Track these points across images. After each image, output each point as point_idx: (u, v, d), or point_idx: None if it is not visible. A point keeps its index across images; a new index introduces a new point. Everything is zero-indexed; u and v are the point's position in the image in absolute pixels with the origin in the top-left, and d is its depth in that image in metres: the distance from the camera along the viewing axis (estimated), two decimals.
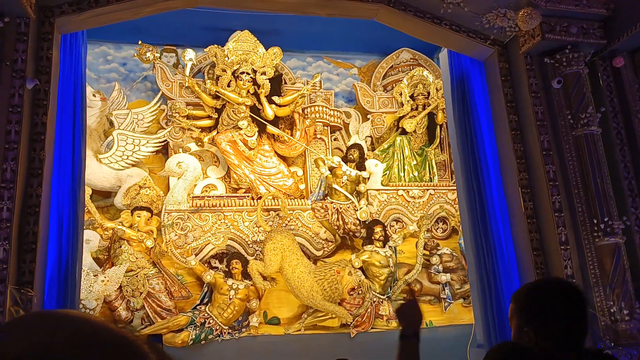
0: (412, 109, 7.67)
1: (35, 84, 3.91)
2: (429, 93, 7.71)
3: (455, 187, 6.89)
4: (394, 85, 7.89)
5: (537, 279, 2.41)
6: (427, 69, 7.85)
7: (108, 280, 5.96)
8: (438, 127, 7.71)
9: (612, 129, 4.69)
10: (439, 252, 6.89)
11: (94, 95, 6.88)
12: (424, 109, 7.67)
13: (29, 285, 3.67)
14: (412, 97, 7.71)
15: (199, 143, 7.09)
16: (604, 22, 4.73)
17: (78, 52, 4.54)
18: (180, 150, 6.92)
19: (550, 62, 4.71)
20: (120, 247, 6.25)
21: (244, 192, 6.96)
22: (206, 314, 6.12)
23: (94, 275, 5.94)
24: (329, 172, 7.00)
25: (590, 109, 4.57)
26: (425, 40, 5.38)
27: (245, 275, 6.31)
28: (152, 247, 6.32)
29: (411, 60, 8.09)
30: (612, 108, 4.73)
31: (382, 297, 6.51)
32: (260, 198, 6.75)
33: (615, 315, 4.20)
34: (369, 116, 7.73)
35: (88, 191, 6.38)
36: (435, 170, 7.57)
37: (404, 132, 7.62)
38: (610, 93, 4.75)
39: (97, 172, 6.64)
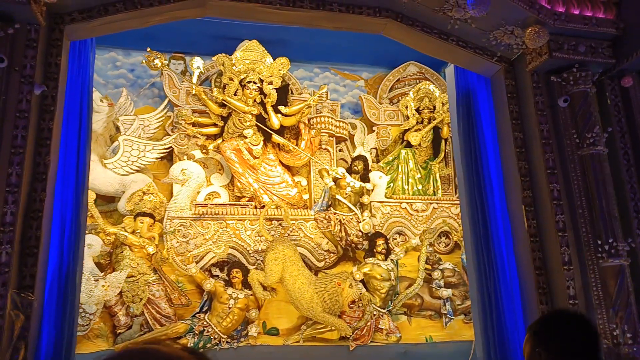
0: (417, 122, 7.69)
1: (42, 90, 3.94)
2: (434, 107, 7.72)
3: (459, 202, 6.88)
4: (400, 98, 7.91)
5: (555, 309, 2.54)
6: (433, 83, 7.87)
7: (109, 286, 5.96)
8: (443, 141, 7.71)
9: (619, 149, 4.66)
10: (441, 267, 6.85)
11: (101, 100, 6.92)
12: (429, 122, 7.68)
13: (30, 289, 3.67)
14: (417, 110, 7.72)
15: (204, 150, 7.11)
16: (613, 42, 4.71)
17: (86, 59, 4.57)
18: (185, 157, 6.93)
19: (557, 81, 4.69)
20: (122, 252, 6.25)
21: (247, 201, 6.96)
22: (205, 323, 6.10)
23: (95, 280, 5.94)
24: (333, 183, 6.99)
25: (596, 129, 4.55)
26: (432, 55, 5.38)
27: (246, 284, 6.29)
28: (153, 254, 6.32)
29: (418, 74, 8.12)
30: (619, 128, 4.70)
31: (382, 310, 6.47)
32: (263, 207, 6.74)
33: (618, 339, 4.15)
34: (374, 128, 7.74)
35: (92, 196, 6.40)
36: (439, 184, 7.56)
37: (409, 145, 7.62)
38: (618, 113, 4.73)
39: (101, 176, 6.66)
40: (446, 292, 6.68)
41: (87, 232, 6.23)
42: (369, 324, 6.35)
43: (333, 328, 6.28)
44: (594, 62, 4.66)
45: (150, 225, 6.43)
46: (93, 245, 6.12)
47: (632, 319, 4.23)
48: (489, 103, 5.23)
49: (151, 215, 6.46)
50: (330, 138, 7.49)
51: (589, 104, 4.62)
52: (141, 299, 6.12)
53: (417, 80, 7.97)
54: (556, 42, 4.58)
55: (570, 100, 4.61)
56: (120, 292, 6.07)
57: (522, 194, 4.74)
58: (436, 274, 6.77)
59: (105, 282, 5.95)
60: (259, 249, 6.58)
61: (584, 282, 4.40)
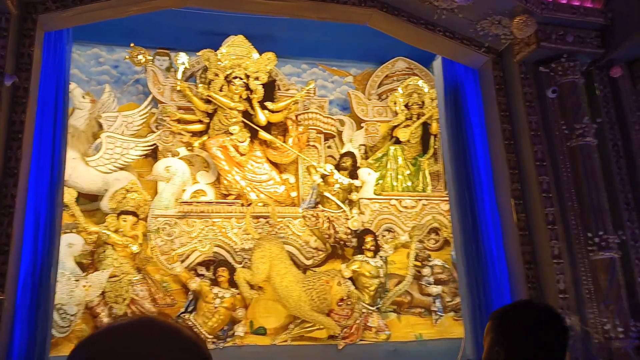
0: (406, 119, 7.62)
1: (14, 81, 3.79)
2: (423, 102, 7.66)
3: (448, 198, 6.79)
4: (388, 94, 7.84)
5: (519, 300, 2.30)
6: (422, 79, 7.80)
7: (90, 286, 5.81)
8: (432, 137, 7.65)
9: (608, 141, 4.57)
10: (430, 264, 6.77)
11: (83, 97, 6.80)
12: (418, 118, 7.61)
13: (0, 288, 3.53)
14: (406, 106, 7.65)
15: (189, 148, 6.99)
16: (602, 31, 4.63)
17: (62, 50, 4.43)
18: (169, 154, 6.80)
19: (545, 71, 4.60)
20: (105, 251, 6.12)
21: (234, 199, 6.84)
22: (190, 323, 5.96)
23: (76, 280, 5.79)
24: (321, 180, 6.88)
25: (585, 120, 4.46)
26: (419, 46, 5.28)
27: (232, 283, 6.18)
28: (137, 253, 6.20)
29: (406, 70, 8.05)
30: (608, 119, 4.62)
31: (371, 308, 6.37)
32: (250, 205, 6.62)
33: (609, 333, 4.06)
34: (363, 124, 7.67)
35: (74, 194, 6.28)
36: (428, 180, 7.49)
37: (397, 141, 7.55)
38: (606, 104, 4.64)
39: (84, 174, 6.54)
40: (436, 289, 6.61)
41: (68, 231, 6.12)
42: (357, 322, 6.25)
43: (321, 327, 6.18)
44: (582, 52, 4.58)
45: (134, 224, 6.31)
46: (74, 244, 5.98)
47: (624, 313, 4.14)
48: (477, 95, 5.13)
49: (134, 214, 6.33)
50: (318, 135, 7.40)
51: (577, 95, 4.53)
52: (124, 300, 5.99)
53: (406, 76, 7.91)
54: (544, 32, 4.49)
55: (558, 91, 4.52)
56: (103, 292, 5.93)
57: (511, 187, 4.65)
58: (426, 271, 6.69)
59: (87, 282, 5.81)
60: (246, 247, 6.47)
61: (574, 276, 4.31)
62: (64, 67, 4.42)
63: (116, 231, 6.19)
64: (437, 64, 5.50)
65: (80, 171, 6.51)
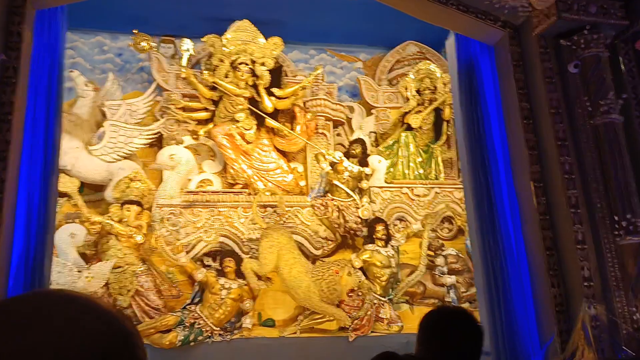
0: (418, 104, 7.40)
1: (2, 60, 3.61)
2: (435, 87, 7.43)
3: (462, 186, 6.54)
4: (399, 79, 7.64)
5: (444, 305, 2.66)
6: (434, 63, 7.55)
7: (93, 277, 5.66)
8: (445, 123, 7.42)
9: (634, 118, 4.27)
10: (444, 253, 6.54)
11: (86, 85, 6.68)
12: (430, 104, 7.38)
13: None
14: (418, 91, 7.44)
15: (195, 136, 6.83)
16: (626, 1, 4.33)
17: (57, 30, 4.23)
18: (174, 142, 6.63)
19: (566, 45, 4.31)
20: (108, 242, 5.98)
21: (241, 188, 6.67)
22: (196, 314, 5.79)
23: (78, 271, 5.66)
24: (330, 168, 6.67)
25: (610, 95, 4.17)
26: (430, 22, 5.01)
27: (239, 274, 6.01)
28: (141, 243, 6.05)
29: (418, 54, 7.83)
30: (634, 95, 4.31)
31: (383, 299, 6.16)
32: (257, 194, 6.44)
33: (638, 323, 3.79)
34: (373, 111, 7.47)
35: (77, 183, 6.17)
36: (441, 167, 7.27)
37: (409, 128, 7.34)
38: (632, 78, 4.34)
39: (87, 164, 6.43)
40: (450, 279, 6.39)
41: (70, 221, 5.99)
42: (369, 313, 6.04)
43: (331, 318, 6.00)
44: (606, 23, 4.27)
45: (138, 214, 6.16)
46: (76, 234, 5.85)
47: None
48: (493, 74, 4.86)
49: (139, 203, 6.18)
50: (327, 122, 7.21)
51: (601, 69, 4.24)
52: (129, 291, 5.84)
53: (417, 61, 7.69)
54: (565, 2, 4.20)
55: (581, 66, 4.24)
56: (107, 283, 5.79)
57: (531, 169, 4.38)
58: (439, 261, 6.46)
59: (89, 273, 5.66)
60: (253, 237, 6.31)
61: (599, 262, 4.04)
62: (58, 47, 4.22)
63: (120, 221, 6.03)
64: (450, 42, 5.22)
65: (83, 160, 6.39)
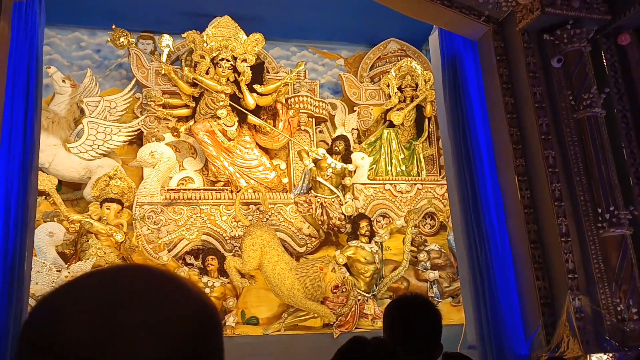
0: (399, 101, 7.41)
1: None
2: (417, 85, 7.45)
3: (444, 182, 6.57)
4: (381, 76, 7.63)
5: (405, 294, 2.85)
6: (415, 60, 7.58)
7: (72, 276, 5.50)
8: (426, 120, 7.45)
9: (616, 112, 4.34)
10: (426, 249, 6.55)
11: (63, 81, 6.54)
12: (412, 101, 7.40)
13: None
14: (399, 88, 7.44)
15: (175, 133, 6.72)
16: None
17: (34, 23, 4.11)
18: (154, 139, 6.51)
19: (549, 39, 4.35)
20: (88, 241, 5.84)
21: (223, 186, 6.58)
22: None
23: (57, 271, 5.52)
24: (313, 165, 6.63)
25: (593, 90, 4.22)
26: (415, 17, 5.01)
27: (222, 272, 5.94)
28: (122, 242, 5.92)
29: (399, 51, 7.84)
30: (616, 89, 4.38)
31: (367, 295, 6.15)
32: (239, 191, 6.36)
33: (622, 314, 3.84)
34: (355, 108, 7.45)
35: (54, 181, 6.02)
36: (423, 164, 7.30)
37: (391, 124, 7.35)
38: (614, 73, 4.41)
39: (65, 162, 6.28)
40: (433, 275, 6.40)
41: (48, 219, 5.83)
42: (353, 309, 6.03)
43: (316, 315, 5.97)
44: (588, 18, 4.33)
45: (118, 212, 6.03)
46: (55, 233, 5.71)
47: (637, 293, 3.92)
48: (477, 69, 4.88)
49: (119, 201, 6.05)
50: (310, 119, 7.16)
51: (584, 64, 4.29)
52: None
53: (399, 58, 7.69)
54: None
55: (564, 60, 4.28)
56: None
57: (515, 163, 4.41)
58: (422, 256, 6.47)
59: (69, 273, 5.53)
60: (236, 235, 6.24)
61: (583, 255, 4.08)
62: (36, 41, 4.10)
63: (99, 219, 5.90)
64: (434, 38, 5.24)
65: (61, 158, 6.25)
